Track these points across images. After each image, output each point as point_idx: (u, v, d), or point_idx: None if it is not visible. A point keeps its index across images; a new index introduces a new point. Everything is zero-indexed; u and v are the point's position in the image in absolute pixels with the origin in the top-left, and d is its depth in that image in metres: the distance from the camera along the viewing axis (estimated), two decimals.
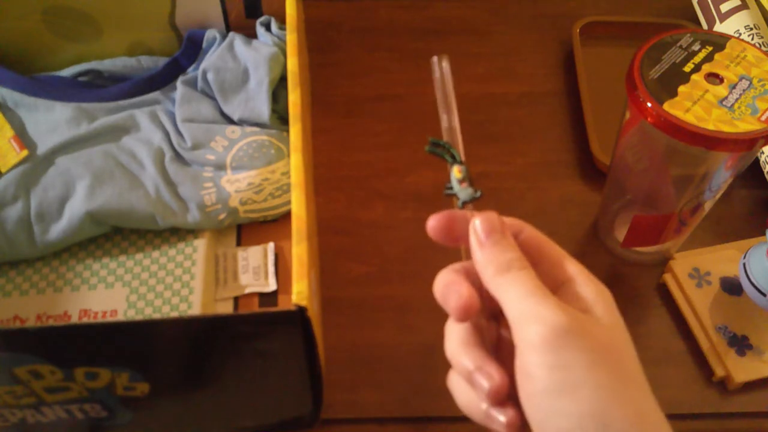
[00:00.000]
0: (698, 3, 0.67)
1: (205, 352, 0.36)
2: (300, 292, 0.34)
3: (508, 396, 0.28)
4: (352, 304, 0.51)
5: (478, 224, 0.29)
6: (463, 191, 0.30)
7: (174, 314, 0.47)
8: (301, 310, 0.33)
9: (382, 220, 0.55)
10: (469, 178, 0.30)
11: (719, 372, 0.46)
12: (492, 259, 0.29)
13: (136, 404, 0.38)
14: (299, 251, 0.36)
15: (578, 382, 0.25)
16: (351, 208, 0.56)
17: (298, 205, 0.38)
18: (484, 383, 0.27)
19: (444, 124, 0.32)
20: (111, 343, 0.34)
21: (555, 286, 0.29)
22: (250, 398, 0.40)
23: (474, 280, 0.29)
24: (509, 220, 0.31)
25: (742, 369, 0.46)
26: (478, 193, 0.30)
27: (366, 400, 0.46)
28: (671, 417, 0.46)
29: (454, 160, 0.30)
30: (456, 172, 0.30)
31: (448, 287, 0.29)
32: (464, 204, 0.30)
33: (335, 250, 0.53)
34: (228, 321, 0.35)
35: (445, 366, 0.30)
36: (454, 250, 0.31)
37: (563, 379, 0.26)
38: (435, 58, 0.31)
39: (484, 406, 0.28)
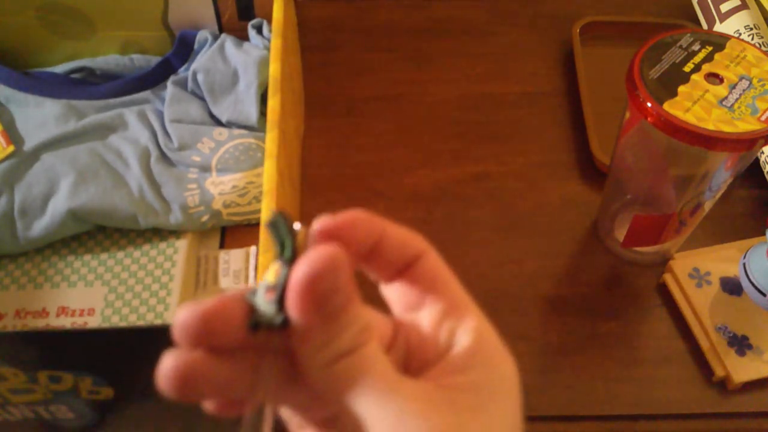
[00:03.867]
0: (698, 3, 0.67)
1: None
2: None
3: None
4: None
5: (312, 264, 0.18)
6: (265, 305, 0.19)
7: (150, 315, 0.46)
8: None
9: None
10: (281, 292, 0.19)
11: (719, 372, 0.46)
12: (330, 337, 0.19)
13: (101, 407, 0.38)
14: (264, 261, 0.35)
15: None
16: (351, 208, 0.56)
17: (267, 214, 0.37)
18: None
19: None
20: (72, 349, 0.34)
21: (445, 345, 0.22)
22: None
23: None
24: (399, 234, 0.22)
25: (742, 369, 0.46)
26: (279, 319, 0.19)
27: None
28: (671, 417, 0.46)
29: (281, 252, 0.20)
30: (272, 271, 0.19)
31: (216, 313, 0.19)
32: (257, 327, 0.19)
33: None
34: None
35: None
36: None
37: None
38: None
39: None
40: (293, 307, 0.19)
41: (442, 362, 0.22)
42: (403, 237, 0.22)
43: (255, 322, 0.19)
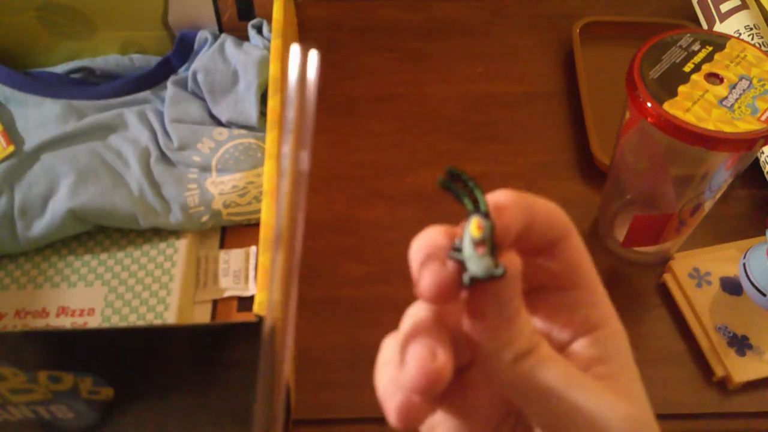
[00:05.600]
0: (698, 3, 0.67)
1: (168, 361, 0.36)
2: (261, 303, 0.33)
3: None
4: (352, 304, 0.51)
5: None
6: (477, 260, 0.19)
7: (150, 315, 0.46)
8: (263, 321, 0.33)
9: (382, 220, 0.55)
10: (491, 242, 0.19)
11: (719, 372, 0.46)
12: (510, 337, 0.20)
13: (101, 407, 0.38)
14: (264, 261, 0.35)
15: None
16: (351, 208, 0.56)
17: (267, 214, 0.37)
18: (413, 360, 0.20)
19: (286, 155, 0.20)
20: (72, 349, 0.34)
21: (576, 333, 0.22)
22: (216, 406, 0.40)
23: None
24: (546, 214, 0.21)
25: (742, 369, 0.46)
26: (500, 271, 0.19)
27: (366, 400, 0.46)
28: (671, 417, 0.46)
29: (476, 208, 0.20)
30: (474, 227, 0.20)
31: (435, 250, 0.20)
32: (474, 282, 0.19)
33: (335, 250, 0.53)
34: (186, 331, 0.34)
35: None
36: None
37: None
38: (297, 47, 0.20)
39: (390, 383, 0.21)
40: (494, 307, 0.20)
41: (581, 352, 0.22)
42: (550, 217, 0.22)
43: (471, 277, 0.19)
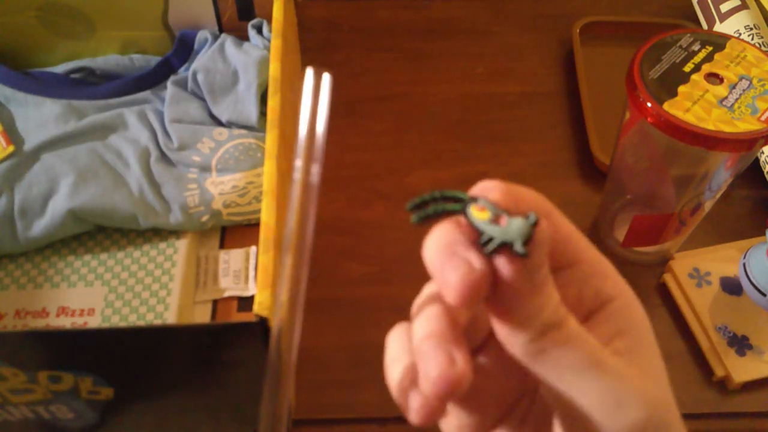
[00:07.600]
0: (698, 3, 0.67)
1: (168, 361, 0.36)
2: (261, 303, 0.33)
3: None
4: (352, 304, 0.51)
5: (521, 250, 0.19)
6: (508, 230, 0.19)
7: (150, 315, 0.46)
8: (263, 321, 0.33)
9: (382, 220, 0.55)
10: (499, 209, 0.19)
11: (719, 372, 0.46)
12: (539, 306, 0.20)
13: (101, 407, 0.38)
14: (264, 261, 0.35)
15: None
16: (351, 208, 0.56)
17: (267, 214, 0.37)
18: (433, 366, 0.20)
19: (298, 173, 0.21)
20: (72, 349, 0.34)
21: (591, 305, 0.22)
22: (216, 406, 0.40)
23: None
24: (523, 193, 0.21)
25: (742, 369, 0.46)
26: (533, 218, 0.19)
27: (366, 400, 0.46)
28: None
29: (461, 201, 0.20)
30: (477, 212, 0.19)
31: (454, 248, 0.19)
32: (528, 242, 0.19)
33: (335, 250, 0.53)
34: (186, 331, 0.34)
35: None
36: None
37: None
38: (311, 70, 0.21)
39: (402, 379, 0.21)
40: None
41: (598, 327, 0.22)
42: (530, 201, 0.21)
43: (523, 242, 0.19)
